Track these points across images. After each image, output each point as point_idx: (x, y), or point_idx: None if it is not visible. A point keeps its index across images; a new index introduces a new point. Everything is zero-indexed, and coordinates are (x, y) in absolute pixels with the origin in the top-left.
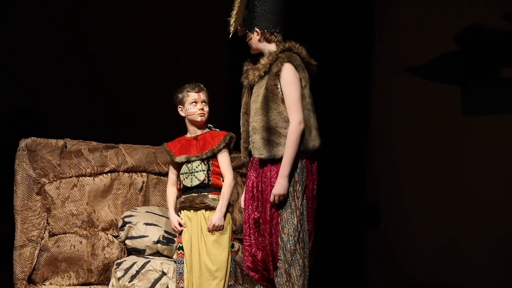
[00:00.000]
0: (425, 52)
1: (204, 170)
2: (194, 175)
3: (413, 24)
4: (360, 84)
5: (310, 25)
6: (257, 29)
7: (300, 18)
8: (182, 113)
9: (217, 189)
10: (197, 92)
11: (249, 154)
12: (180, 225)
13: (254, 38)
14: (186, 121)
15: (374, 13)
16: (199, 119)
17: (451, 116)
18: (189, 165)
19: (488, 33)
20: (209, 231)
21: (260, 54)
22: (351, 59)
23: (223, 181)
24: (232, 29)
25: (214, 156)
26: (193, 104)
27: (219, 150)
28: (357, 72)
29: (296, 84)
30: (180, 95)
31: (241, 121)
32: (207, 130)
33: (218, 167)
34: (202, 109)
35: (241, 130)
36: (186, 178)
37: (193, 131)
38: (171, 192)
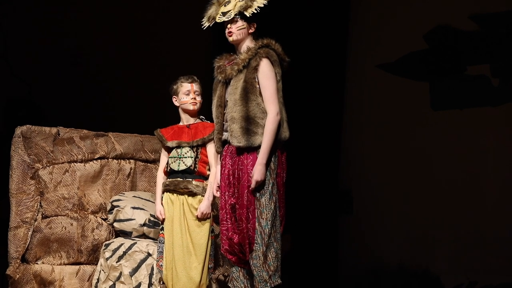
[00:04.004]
0: (396, 50)
1: (192, 157)
2: (182, 160)
3: (385, 23)
4: (334, 78)
5: (286, 23)
6: (254, 23)
7: (278, 16)
8: (176, 103)
9: (202, 176)
10: (190, 83)
11: (222, 144)
12: (161, 214)
13: (246, 30)
14: (180, 110)
15: (348, 12)
16: (191, 107)
17: (420, 110)
18: (178, 150)
19: (455, 32)
20: (198, 218)
21: (231, 49)
22: (326, 55)
23: (208, 170)
24: (233, 13)
25: (203, 145)
26: (186, 94)
27: (210, 140)
28: (331, 68)
29: (273, 78)
30: (174, 86)
31: (214, 114)
32: (199, 120)
33: (206, 156)
34: (195, 98)
35: (215, 122)
36: (174, 162)
37: (185, 120)
38: (161, 178)
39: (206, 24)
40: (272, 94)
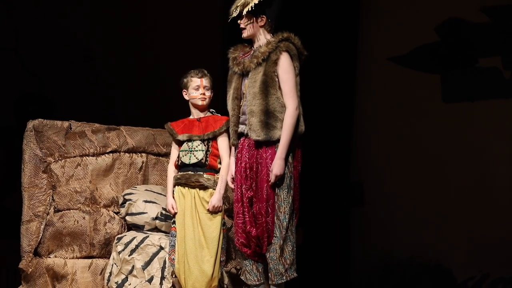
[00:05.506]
0: (407, 43)
1: (203, 150)
2: (193, 153)
3: (396, 16)
4: (345, 71)
5: (297, 15)
6: (263, 16)
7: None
8: (186, 97)
9: (213, 170)
10: (200, 78)
11: (238, 137)
12: (173, 208)
13: (256, 24)
14: (189, 104)
15: (359, 5)
16: (200, 103)
17: (431, 102)
18: (189, 143)
19: (466, 25)
20: (209, 212)
21: (246, 41)
22: (338, 48)
23: (219, 163)
24: (239, 9)
25: (214, 138)
26: (196, 89)
27: (220, 133)
28: (342, 60)
29: (292, 72)
30: (184, 80)
31: (230, 106)
32: (209, 114)
33: (217, 149)
34: (204, 93)
35: (231, 114)
36: (185, 155)
37: (196, 114)
38: (172, 171)
39: (230, 16)
40: (291, 89)
